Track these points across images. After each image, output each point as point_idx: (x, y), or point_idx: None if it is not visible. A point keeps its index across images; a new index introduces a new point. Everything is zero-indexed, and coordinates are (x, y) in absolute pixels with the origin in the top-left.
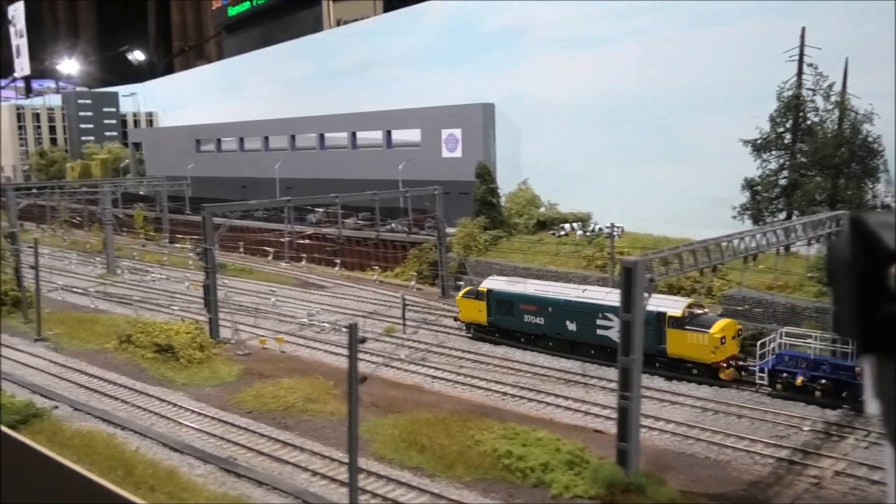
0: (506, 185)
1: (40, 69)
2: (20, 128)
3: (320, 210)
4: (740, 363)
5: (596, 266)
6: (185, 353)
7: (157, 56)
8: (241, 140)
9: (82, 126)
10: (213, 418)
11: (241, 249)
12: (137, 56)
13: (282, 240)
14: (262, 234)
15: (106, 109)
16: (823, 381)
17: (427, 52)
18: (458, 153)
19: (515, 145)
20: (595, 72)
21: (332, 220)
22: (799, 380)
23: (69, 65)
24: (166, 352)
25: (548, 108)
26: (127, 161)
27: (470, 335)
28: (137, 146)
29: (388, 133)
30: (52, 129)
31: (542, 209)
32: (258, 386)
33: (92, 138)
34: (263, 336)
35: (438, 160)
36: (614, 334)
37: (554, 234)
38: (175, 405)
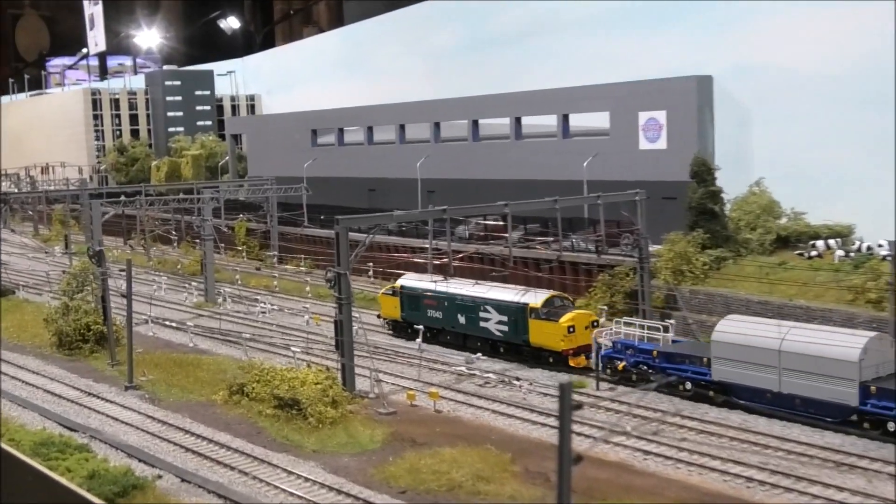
0: (731, 186)
1: (114, 43)
2: (95, 117)
3: (472, 221)
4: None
5: (867, 301)
6: (315, 409)
7: (256, 24)
8: (370, 130)
9: (169, 114)
10: (358, 498)
11: (371, 273)
12: (231, 24)
13: (424, 260)
14: (400, 252)
15: (198, 93)
16: (644, 366)
17: (617, 10)
18: (661, 143)
19: (743, 133)
20: (862, 31)
21: (491, 233)
22: (620, 364)
23: (148, 37)
24: (290, 407)
25: (791, 82)
26: (226, 158)
27: (391, 332)
28: (237, 139)
29: (565, 118)
30: (134, 119)
31: (784, 220)
32: (411, 456)
33: (181, 129)
34: (412, 389)
35: (634, 153)
36: (492, 326)
37: (801, 254)
38: (307, 479)
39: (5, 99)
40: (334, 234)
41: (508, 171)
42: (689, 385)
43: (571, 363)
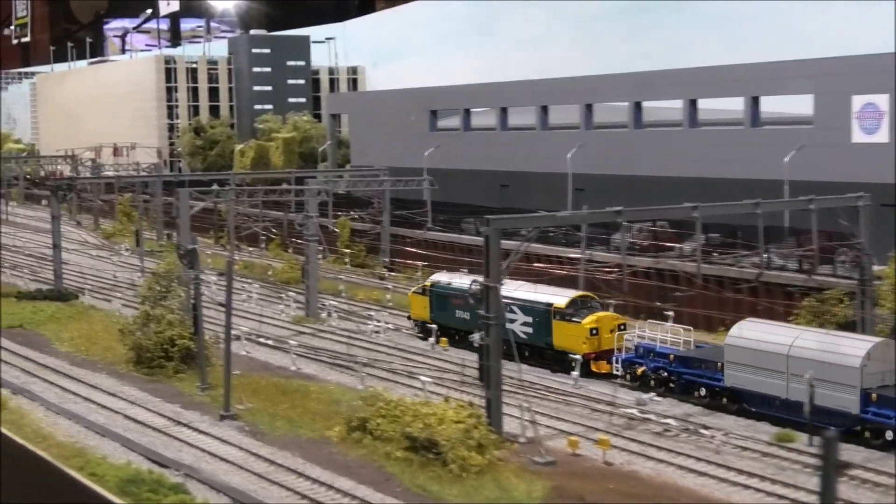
0: None
1: (184, 4)
2: (168, 90)
3: (634, 228)
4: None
5: None
6: (457, 454)
7: None
8: (503, 112)
9: (256, 88)
10: None
11: None
12: None
13: (585, 273)
14: (542, 262)
15: (291, 63)
16: (662, 371)
17: None
18: (881, 136)
19: None
20: None
21: (660, 242)
22: (640, 370)
23: None
24: (426, 450)
25: None
26: (328, 143)
27: (421, 336)
28: (337, 119)
29: (755, 101)
30: (214, 93)
31: None
32: None
33: (270, 107)
34: (573, 434)
35: (845, 147)
36: (517, 328)
37: None
38: None
39: (61, 67)
40: (483, 239)
41: (679, 167)
42: (703, 391)
43: (593, 368)
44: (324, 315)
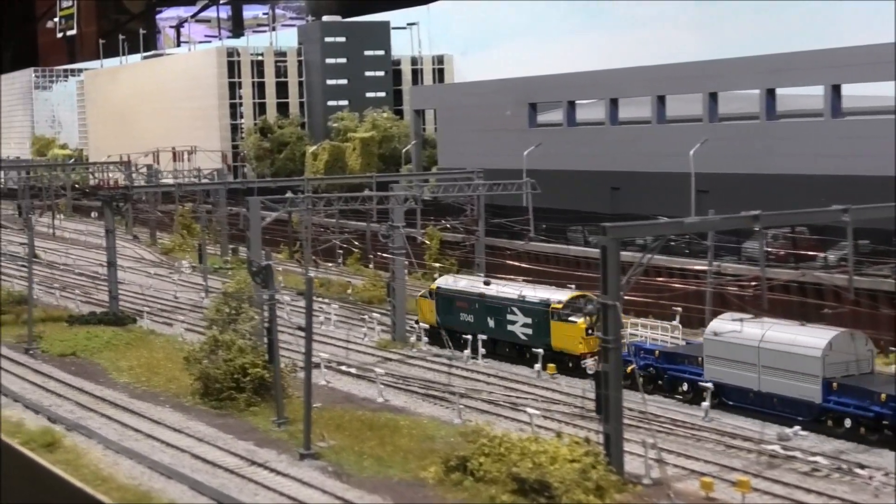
0: None
1: None
2: (231, 86)
3: (769, 234)
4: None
5: None
6: (573, 497)
7: None
8: (613, 103)
9: (330, 82)
10: None
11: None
12: None
13: (714, 288)
14: (664, 276)
15: (369, 53)
16: (651, 368)
17: None
18: None
19: None
20: None
21: (801, 251)
22: (629, 368)
23: None
24: (537, 493)
25: None
26: (412, 143)
27: (429, 341)
28: (421, 115)
29: None
30: (282, 88)
31: None
32: None
33: (345, 103)
34: (707, 475)
35: None
36: (518, 329)
37: None
38: None
39: (111, 62)
40: (599, 250)
41: (820, 163)
42: (686, 386)
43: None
44: (413, 339)
